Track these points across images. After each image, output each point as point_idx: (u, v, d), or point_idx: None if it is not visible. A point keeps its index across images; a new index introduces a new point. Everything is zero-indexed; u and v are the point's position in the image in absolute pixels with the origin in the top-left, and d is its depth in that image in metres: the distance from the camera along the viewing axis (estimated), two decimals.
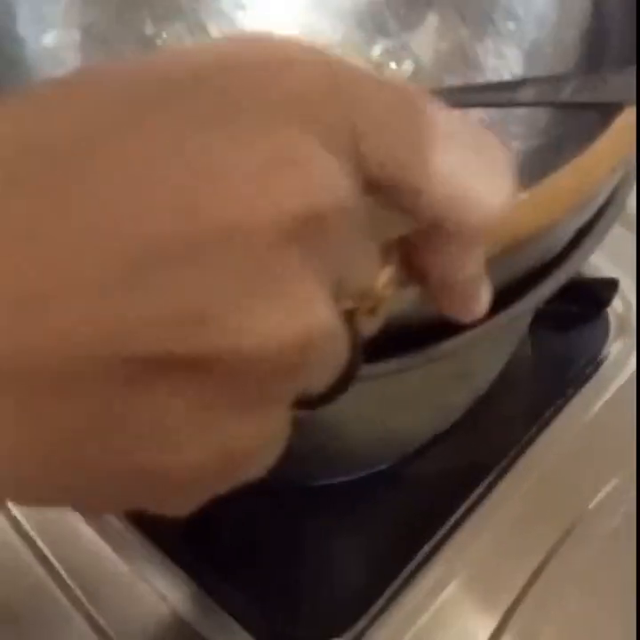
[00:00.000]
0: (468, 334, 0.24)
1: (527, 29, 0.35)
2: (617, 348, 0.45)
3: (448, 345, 0.24)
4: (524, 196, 0.22)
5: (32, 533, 0.40)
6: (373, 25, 0.38)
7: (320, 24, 0.40)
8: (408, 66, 0.39)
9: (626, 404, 0.44)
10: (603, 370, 0.45)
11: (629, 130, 0.23)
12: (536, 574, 0.39)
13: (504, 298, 0.24)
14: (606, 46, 0.30)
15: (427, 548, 0.39)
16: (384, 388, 0.26)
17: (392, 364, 0.24)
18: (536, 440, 0.43)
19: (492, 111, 0.35)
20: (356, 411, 0.30)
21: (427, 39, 0.38)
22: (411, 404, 0.34)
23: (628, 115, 0.24)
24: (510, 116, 0.36)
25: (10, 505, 0.39)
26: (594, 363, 0.45)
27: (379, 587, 0.39)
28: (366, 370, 0.23)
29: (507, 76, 0.36)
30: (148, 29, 0.39)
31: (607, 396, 0.44)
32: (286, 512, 0.40)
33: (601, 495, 0.41)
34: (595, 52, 0.31)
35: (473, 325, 0.23)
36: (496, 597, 0.39)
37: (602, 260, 0.46)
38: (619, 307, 0.46)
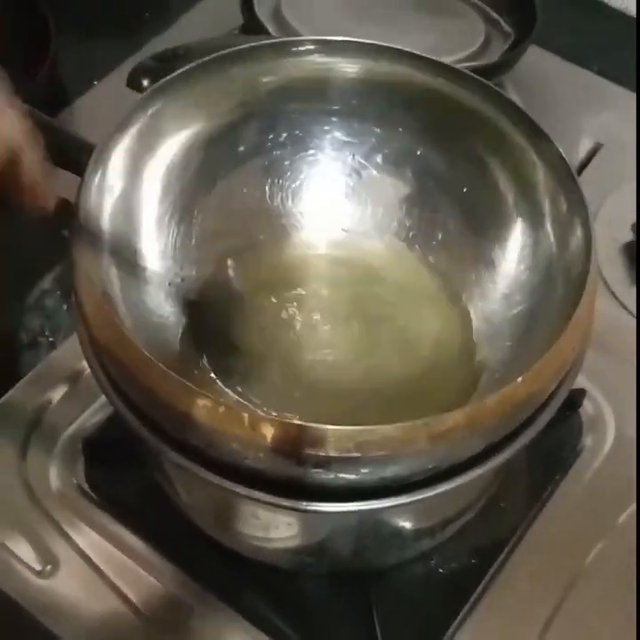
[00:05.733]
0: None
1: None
2: (590, 441, 0.58)
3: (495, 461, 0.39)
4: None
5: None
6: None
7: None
8: None
9: (601, 485, 0.57)
10: (581, 459, 0.58)
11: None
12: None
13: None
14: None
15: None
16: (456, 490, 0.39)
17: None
18: (537, 517, 0.56)
19: None
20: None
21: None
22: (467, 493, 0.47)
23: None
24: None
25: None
26: (573, 453, 0.58)
27: None
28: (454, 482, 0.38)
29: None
30: None
31: (586, 479, 0.57)
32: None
33: (589, 558, 0.54)
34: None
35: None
36: None
37: None
38: (590, 408, 0.59)
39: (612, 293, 0.67)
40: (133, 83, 0.61)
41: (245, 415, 0.36)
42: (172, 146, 0.48)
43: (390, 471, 0.37)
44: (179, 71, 0.47)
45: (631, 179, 0.74)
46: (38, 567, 0.53)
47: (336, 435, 0.35)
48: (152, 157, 0.47)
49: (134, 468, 0.53)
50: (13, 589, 0.52)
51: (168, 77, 0.47)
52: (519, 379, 0.37)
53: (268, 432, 0.36)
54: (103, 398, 0.57)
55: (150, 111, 0.46)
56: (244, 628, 0.51)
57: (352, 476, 0.37)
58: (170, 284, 0.48)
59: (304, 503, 0.38)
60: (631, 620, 0.51)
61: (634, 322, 0.65)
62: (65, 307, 0.66)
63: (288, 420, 0.36)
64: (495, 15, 0.82)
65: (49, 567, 0.53)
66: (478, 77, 0.47)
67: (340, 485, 0.38)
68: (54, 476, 0.56)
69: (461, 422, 0.36)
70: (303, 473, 0.37)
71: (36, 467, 0.57)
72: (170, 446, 0.39)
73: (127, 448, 0.51)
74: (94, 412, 0.59)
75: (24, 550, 0.53)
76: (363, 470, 0.37)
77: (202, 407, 0.36)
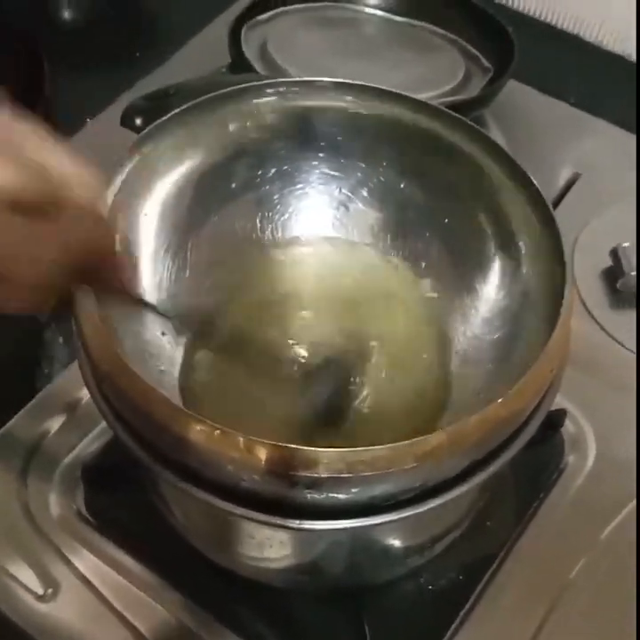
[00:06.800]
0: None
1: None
2: (572, 459, 0.61)
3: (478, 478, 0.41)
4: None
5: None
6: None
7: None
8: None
9: (584, 502, 0.59)
10: (564, 477, 0.60)
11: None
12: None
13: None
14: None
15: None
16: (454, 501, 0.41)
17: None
18: (523, 534, 0.58)
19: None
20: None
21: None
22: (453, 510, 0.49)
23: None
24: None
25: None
26: (557, 471, 0.60)
27: None
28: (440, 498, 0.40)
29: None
30: None
31: (570, 496, 0.59)
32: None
33: (574, 572, 0.56)
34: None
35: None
36: None
37: None
38: (571, 428, 0.62)
39: (592, 316, 0.69)
40: (126, 122, 0.63)
41: (240, 438, 0.38)
42: (167, 183, 0.50)
43: (379, 490, 0.39)
44: (172, 112, 0.50)
45: (609, 206, 0.76)
46: (39, 591, 0.54)
47: (327, 456, 0.37)
48: (147, 194, 0.49)
49: (132, 493, 0.54)
50: (15, 613, 0.53)
51: (162, 119, 0.49)
52: (499, 400, 0.39)
53: (263, 454, 0.38)
54: (101, 426, 0.60)
55: (145, 150, 0.49)
56: None
57: (343, 496, 0.39)
58: (164, 315, 0.50)
59: (297, 522, 0.40)
60: (616, 632, 0.53)
61: (613, 344, 0.67)
62: (61, 339, 0.68)
63: (282, 444, 0.38)
64: (475, 51, 0.86)
65: (50, 591, 0.54)
66: (457, 115, 0.50)
67: (331, 504, 0.39)
68: (54, 503, 0.58)
69: (445, 442, 0.38)
70: (296, 493, 0.39)
71: (37, 493, 0.58)
72: (166, 468, 0.41)
73: (125, 473, 0.53)
74: (92, 440, 0.61)
75: (25, 575, 0.55)
76: (353, 490, 0.39)
77: (199, 431, 0.38)
